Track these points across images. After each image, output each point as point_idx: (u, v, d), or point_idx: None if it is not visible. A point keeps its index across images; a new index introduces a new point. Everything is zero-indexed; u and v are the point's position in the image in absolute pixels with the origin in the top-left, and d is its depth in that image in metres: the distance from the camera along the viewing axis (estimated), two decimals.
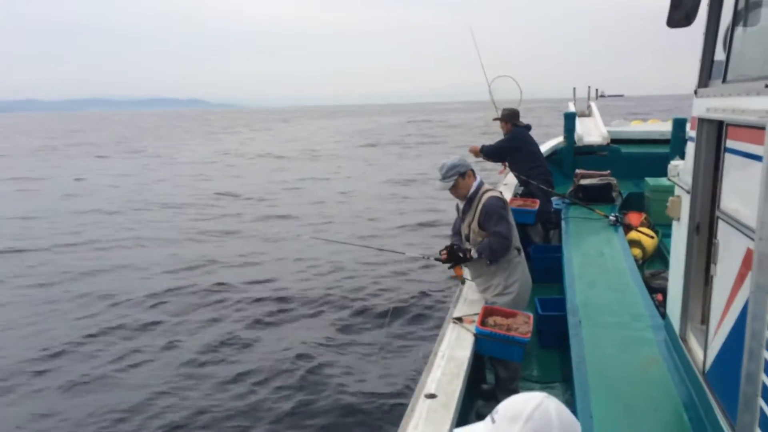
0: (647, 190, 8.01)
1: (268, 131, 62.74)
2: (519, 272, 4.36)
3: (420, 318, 8.02)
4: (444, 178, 4.36)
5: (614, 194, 7.91)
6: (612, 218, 6.86)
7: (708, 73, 3.53)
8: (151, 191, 20.44)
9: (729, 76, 3.13)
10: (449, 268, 4.50)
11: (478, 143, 8.04)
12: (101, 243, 12.74)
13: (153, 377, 6.43)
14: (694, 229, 3.54)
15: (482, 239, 4.32)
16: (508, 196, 7.64)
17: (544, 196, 7.45)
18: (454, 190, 4.39)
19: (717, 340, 2.96)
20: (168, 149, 40.51)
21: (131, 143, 46.91)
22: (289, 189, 20.18)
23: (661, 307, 4.81)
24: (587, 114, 10.95)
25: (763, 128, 2.32)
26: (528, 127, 7.71)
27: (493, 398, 4.32)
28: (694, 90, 3.66)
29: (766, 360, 2.32)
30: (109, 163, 31.87)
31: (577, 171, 8.19)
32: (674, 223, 4.09)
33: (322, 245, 10.27)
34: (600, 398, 3.38)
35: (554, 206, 7.76)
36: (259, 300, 8.86)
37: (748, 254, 2.47)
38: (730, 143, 2.87)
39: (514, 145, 7.57)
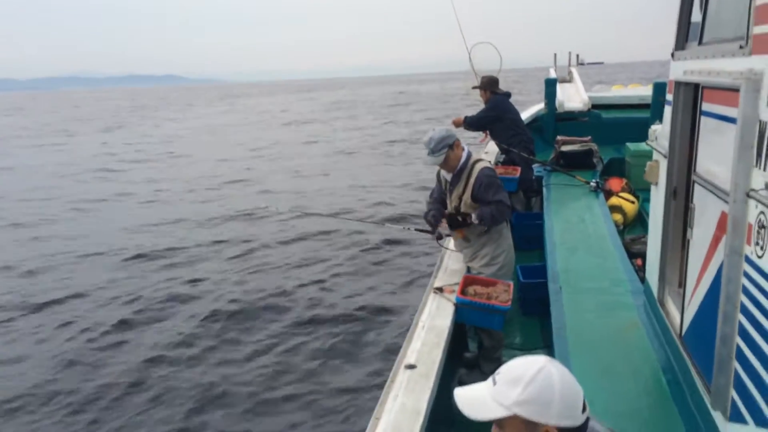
0: (628, 155, 8.02)
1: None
2: (506, 243, 4.37)
3: (402, 289, 8.02)
4: (434, 152, 4.15)
5: (595, 160, 7.91)
6: (593, 184, 6.87)
7: (685, 35, 3.50)
8: None
9: (705, 38, 3.10)
10: (445, 235, 4.51)
11: (461, 114, 7.99)
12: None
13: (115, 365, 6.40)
14: (671, 194, 3.54)
15: (473, 211, 4.28)
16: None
17: (526, 163, 7.43)
18: (444, 163, 4.24)
19: (693, 304, 2.98)
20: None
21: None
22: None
23: (640, 271, 4.85)
24: (568, 80, 10.89)
25: (737, 90, 2.30)
26: (507, 95, 7.64)
27: (476, 367, 4.35)
28: (671, 53, 3.63)
29: (740, 322, 2.33)
30: None
31: (558, 138, 8.17)
32: (652, 188, 4.10)
33: (299, 218, 10.23)
34: (580, 363, 3.41)
35: (536, 173, 7.76)
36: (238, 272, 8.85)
37: (723, 218, 2.47)
38: (705, 106, 2.85)
39: (494, 113, 7.52)
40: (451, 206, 4.38)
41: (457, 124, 7.80)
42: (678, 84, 3.41)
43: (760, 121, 2.19)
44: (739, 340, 2.35)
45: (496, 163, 7.96)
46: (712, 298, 2.61)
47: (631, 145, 7.94)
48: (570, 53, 11.31)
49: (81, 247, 10.67)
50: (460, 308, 3.76)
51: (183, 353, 6.44)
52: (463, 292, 3.86)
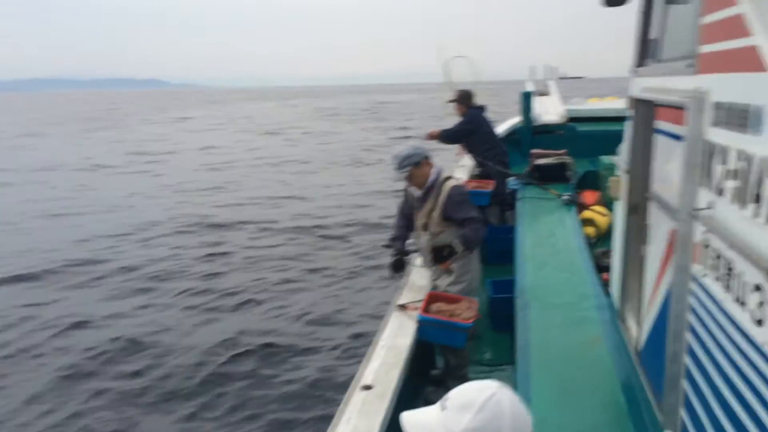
0: (601, 168, 8.05)
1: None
2: (474, 261, 4.35)
3: (367, 307, 7.89)
4: (398, 168, 4.24)
5: (569, 173, 7.94)
6: (566, 197, 6.88)
7: (644, 52, 3.52)
8: None
9: (661, 56, 3.12)
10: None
11: (436, 128, 8.01)
12: None
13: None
14: (631, 210, 3.55)
15: (442, 230, 4.28)
16: (463, 178, 7.63)
17: (500, 177, 7.46)
18: (409, 180, 4.28)
19: (648, 321, 2.97)
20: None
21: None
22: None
23: (607, 286, 4.85)
24: (545, 93, 10.94)
25: (684, 108, 2.31)
26: (482, 108, 7.68)
27: (442, 384, 4.31)
28: (631, 69, 3.65)
29: (688, 342, 2.32)
30: None
31: (533, 151, 8.19)
32: (615, 203, 4.11)
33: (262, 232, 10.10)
34: (540, 381, 3.39)
35: (511, 187, 7.77)
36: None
37: (673, 235, 2.47)
38: (659, 124, 2.86)
39: (470, 127, 7.54)
40: (419, 222, 4.36)
41: (432, 137, 7.81)
42: (636, 101, 3.42)
43: (705, 141, 2.19)
44: (687, 360, 2.34)
45: (471, 177, 7.98)
46: (664, 315, 2.60)
47: (605, 158, 7.97)
48: (546, 66, 11.38)
49: None
50: (422, 326, 3.73)
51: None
52: (426, 309, 3.83)
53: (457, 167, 8.31)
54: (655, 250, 2.84)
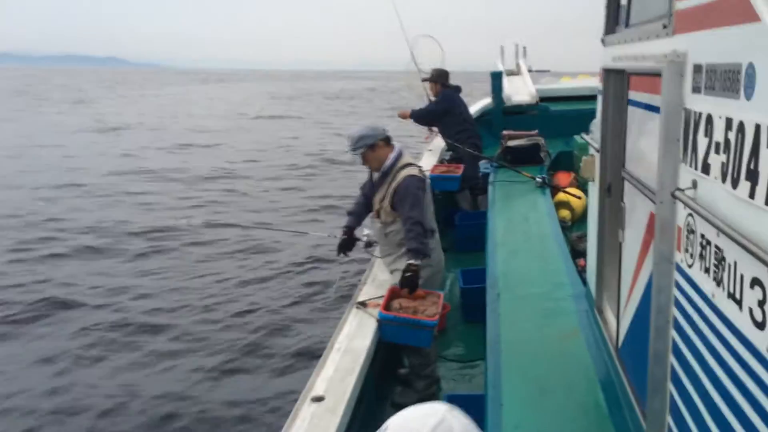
0: (576, 148, 7.79)
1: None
2: (431, 256, 4.00)
3: (325, 305, 7.45)
4: (351, 150, 3.96)
5: (542, 154, 7.65)
6: (539, 180, 6.60)
7: (614, 18, 3.22)
8: None
9: (632, 20, 2.82)
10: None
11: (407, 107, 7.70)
12: None
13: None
14: (605, 191, 3.27)
15: (392, 219, 3.97)
16: (432, 161, 7.33)
17: (472, 160, 7.17)
18: (364, 162, 4.00)
19: (627, 313, 2.69)
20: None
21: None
22: None
23: (583, 273, 4.58)
24: (516, 72, 10.65)
25: (660, 75, 2.01)
26: (458, 89, 7.38)
27: (409, 385, 4.02)
28: (600, 38, 3.35)
29: (673, 339, 2.04)
30: None
31: (504, 132, 7.89)
32: (590, 184, 3.83)
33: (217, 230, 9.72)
34: (512, 381, 3.10)
35: (483, 170, 7.49)
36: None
37: (652, 219, 2.18)
38: (632, 94, 2.57)
39: (443, 108, 7.25)
40: (374, 208, 4.06)
41: (403, 117, 7.51)
42: (607, 72, 3.13)
43: (686, 110, 1.90)
44: (672, 360, 2.06)
45: (441, 161, 7.68)
46: (645, 308, 2.32)
47: (579, 138, 7.72)
48: (517, 45, 11.06)
49: None
50: (383, 325, 3.42)
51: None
52: (387, 306, 3.52)
53: (426, 151, 7.99)
54: (632, 236, 2.56)
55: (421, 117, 7.44)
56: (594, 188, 3.58)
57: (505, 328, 3.67)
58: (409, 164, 3.94)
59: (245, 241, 9.81)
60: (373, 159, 3.95)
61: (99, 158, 18.69)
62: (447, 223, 7.24)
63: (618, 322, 2.86)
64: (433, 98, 7.39)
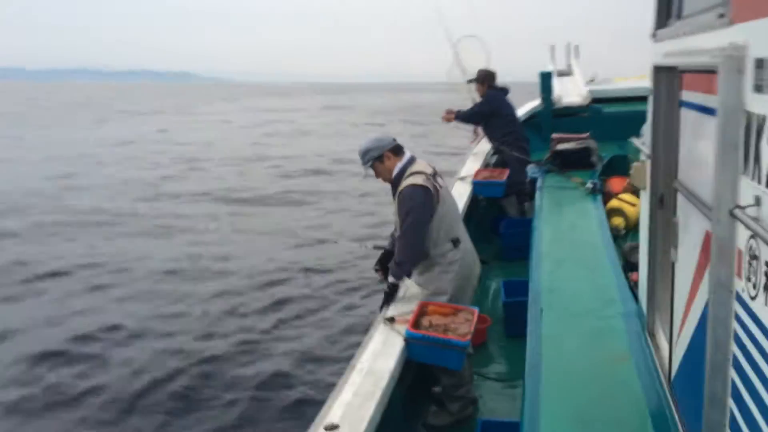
0: (631, 152, 7.37)
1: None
2: (455, 269, 3.72)
3: (356, 319, 7.14)
4: (363, 164, 3.80)
5: (594, 158, 7.28)
6: (589, 185, 6.24)
7: (666, 8, 2.91)
8: None
9: (685, 10, 2.51)
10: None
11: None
12: None
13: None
14: (657, 202, 2.95)
15: None
16: (476, 166, 7.04)
17: (519, 164, 6.87)
18: (377, 175, 3.82)
19: (682, 341, 2.39)
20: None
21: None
22: None
23: (636, 288, 4.23)
24: (567, 73, 10.25)
25: (715, 72, 1.72)
26: (505, 91, 7.10)
27: (443, 406, 3.77)
28: (651, 32, 3.04)
29: (733, 381, 1.75)
30: None
31: (554, 135, 7.55)
32: (641, 194, 3.51)
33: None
34: (551, 409, 2.82)
35: (530, 175, 7.17)
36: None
37: (708, 239, 1.89)
38: (684, 95, 2.27)
39: (488, 109, 6.99)
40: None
41: (448, 119, 7.26)
42: (658, 70, 2.83)
43: (746, 112, 1.61)
44: (732, 404, 1.76)
45: (486, 165, 7.39)
46: (701, 340, 2.02)
47: (635, 141, 7.30)
48: (569, 45, 10.64)
49: None
50: (410, 344, 3.19)
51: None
52: (416, 323, 3.29)
53: (471, 154, 7.71)
54: (686, 255, 2.26)
55: (466, 119, 7.19)
56: (645, 198, 3.26)
57: (547, 348, 3.39)
58: (415, 172, 3.69)
59: None
60: (382, 171, 3.78)
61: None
62: (493, 231, 6.95)
63: (671, 350, 2.56)
64: (479, 100, 7.14)
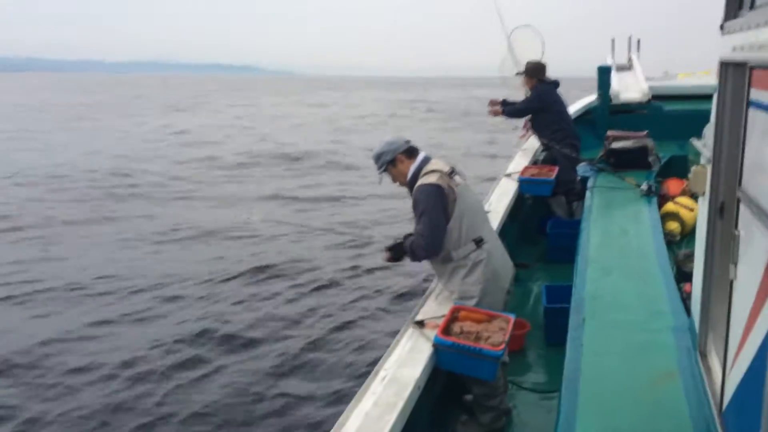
0: (691, 153, 6.97)
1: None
2: (480, 270, 3.49)
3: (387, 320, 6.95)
4: (377, 168, 3.67)
5: (651, 159, 6.90)
6: (644, 187, 5.90)
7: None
8: None
9: (759, 0, 2.24)
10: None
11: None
12: None
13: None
14: (716, 211, 2.69)
15: None
16: (524, 162, 6.77)
17: (569, 162, 6.57)
18: (393, 179, 3.69)
19: (737, 368, 2.14)
20: None
21: None
22: None
23: (689, 300, 3.93)
24: (627, 67, 9.79)
25: None
26: (556, 84, 6.80)
27: (473, 415, 3.58)
28: (720, 24, 2.76)
29: None
30: None
31: (609, 133, 7.20)
32: (700, 200, 3.23)
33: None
34: (588, 427, 2.61)
35: (581, 174, 6.86)
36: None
37: None
38: (754, 93, 2.01)
39: (538, 105, 6.70)
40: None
41: (494, 114, 7.00)
42: (725, 65, 2.55)
43: None
44: None
45: (534, 162, 7.11)
46: (761, 369, 1.78)
47: (696, 142, 6.89)
48: (630, 38, 10.17)
49: None
50: (439, 351, 3.01)
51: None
52: (446, 329, 3.10)
53: (520, 150, 7.43)
54: (748, 274, 2.01)
55: (514, 114, 6.91)
56: (703, 206, 2.99)
57: (587, 361, 3.16)
58: (430, 171, 3.48)
59: None
60: (397, 175, 3.64)
61: None
62: (539, 231, 6.69)
63: (724, 375, 2.30)
64: (528, 93, 6.86)
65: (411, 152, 3.58)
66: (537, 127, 6.88)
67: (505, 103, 6.95)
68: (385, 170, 3.62)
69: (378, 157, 3.60)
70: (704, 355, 2.78)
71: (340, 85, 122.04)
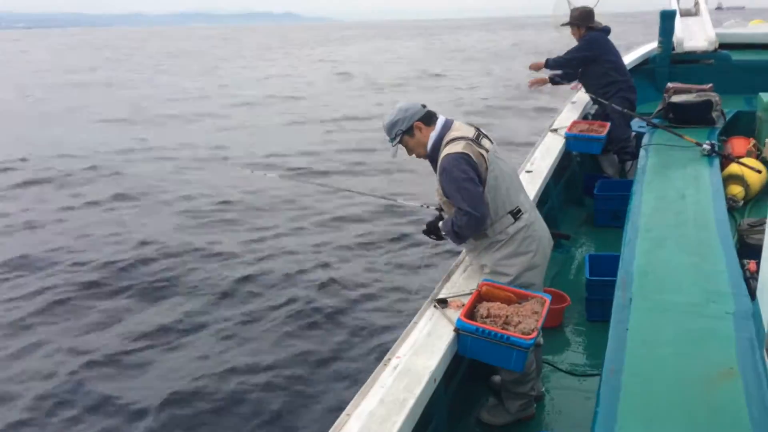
0: (761, 108, 6.30)
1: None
2: (516, 246, 3.06)
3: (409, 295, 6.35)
4: (390, 140, 3.14)
5: (715, 114, 6.24)
6: (706, 146, 5.32)
7: None
8: None
9: None
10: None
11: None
12: None
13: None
14: None
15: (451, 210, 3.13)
16: (573, 116, 6.23)
17: (622, 117, 6.01)
18: (409, 151, 3.16)
19: None
20: None
21: None
22: None
23: (753, 280, 3.45)
24: (693, 13, 8.96)
25: None
26: (606, 31, 6.18)
27: (502, 401, 3.25)
28: None
29: None
30: None
31: (669, 85, 6.55)
32: None
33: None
34: (629, 429, 2.25)
35: (636, 130, 6.29)
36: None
37: None
38: None
39: (586, 54, 6.11)
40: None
41: (536, 68, 6.45)
42: None
43: None
44: None
45: (585, 116, 6.55)
46: None
47: (766, 96, 6.21)
48: None
49: None
50: (461, 336, 2.65)
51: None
52: (470, 312, 2.73)
53: (569, 103, 6.86)
54: None
55: (559, 65, 6.32)
56: None
57: (632, 350, 2.76)
58: (454, 139, 2.99)
59: None
60: (415, 146, 3.11)
61: None
62: (586, 192, 6.20)
63: None
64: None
65: (429, 118, 3.09)
66: (585, 81, 6.32)
67: (548, 60, 6.37)
68: (399, 141, 3.13)
69: (391, 127, 3.09)
70: None
71: (390, 31, 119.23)
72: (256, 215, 9.11)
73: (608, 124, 5.70)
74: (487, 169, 2.94)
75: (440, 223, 3.17)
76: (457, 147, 2.91)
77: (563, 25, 6.34)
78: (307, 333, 5.68)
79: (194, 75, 32.74)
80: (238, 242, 8.01)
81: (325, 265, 7.18)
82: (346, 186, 8.96)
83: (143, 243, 7.92)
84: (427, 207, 3.59)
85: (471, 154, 2.90)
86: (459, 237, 3.05)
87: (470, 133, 3.01)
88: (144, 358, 5.39)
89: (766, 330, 2.53)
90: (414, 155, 3.18)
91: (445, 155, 2.92)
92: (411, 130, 3.05)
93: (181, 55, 51.09)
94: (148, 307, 6.31)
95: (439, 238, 3.28)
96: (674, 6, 8.67)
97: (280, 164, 12.07)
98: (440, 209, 3.31)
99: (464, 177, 2.86)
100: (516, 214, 3.03)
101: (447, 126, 3.06)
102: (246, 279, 6.86)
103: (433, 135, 3.04)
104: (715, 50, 7.98)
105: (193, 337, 5.70)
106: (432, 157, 3.08)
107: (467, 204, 2.87)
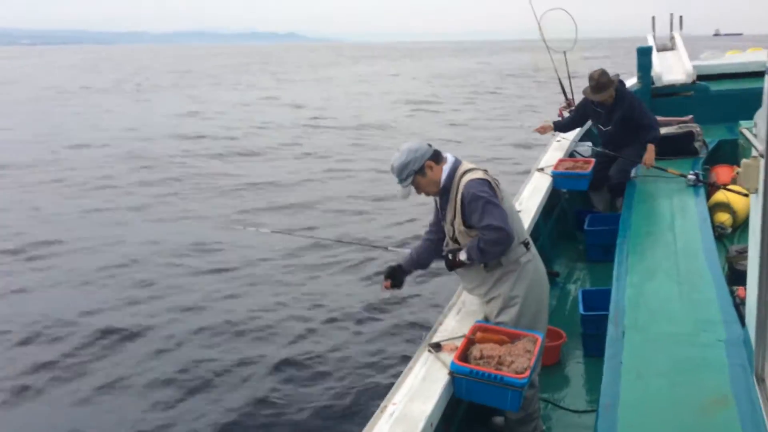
0: (742, 137, 6.43)
1: None
2: (528, 273, 3.14)
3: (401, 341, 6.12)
4: (400, 181, 3.18)
5: (697, 144, 6.39)
6: (691, 176, 5.42)
7: None
8: None
9: None
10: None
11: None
12: None
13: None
14: None
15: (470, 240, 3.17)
16: (558, 155, 6.33)
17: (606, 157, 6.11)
18: (419, 191, 3.22)
19: None
20: None
21: None
22: None
23: (743, 306, 3.50)
24: (669, 47, 9.20)
25: None
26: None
27: None
28: None
29: None
30: None
31: None
32: (752, 197, 2.82)
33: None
34: None
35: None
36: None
37: None
38: None
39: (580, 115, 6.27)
40: (448, 237, 3.27)
41: (545, 131, 6.48)
42: None
43: None
44: None
45: (570, 155, 6.67)
46: None
47: (747, 124, 6.34)
48: (672, 15, 9.54)
49: None
50: (456, 379, 2.68)
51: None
52: (464, 354, 2.77)
53: (554, 141, 6.99)
54: None
55: (563, 128, 6.45)
56: (756, 204, 2.59)
57: (627, 381, 2.79)
58: (469, 170, 3.10)
59: None
60: (426, 184, 3.17)
61: None
62: (577, 227, 6.27)
63: None
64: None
65: (437, 156, 3.18)
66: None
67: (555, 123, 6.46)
68: (412, 181, 3.17)
69: (402, 168, 3.13)
70: (762, 380, 2.39)
71: (392, 53, 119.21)
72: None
73: (593, 161, 5.79)
74: (502, 199, 3.05)
75: (461, 252, 3.15)
76: (477, 174, 3.02)
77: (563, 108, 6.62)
78: (300, 381, 5.50)
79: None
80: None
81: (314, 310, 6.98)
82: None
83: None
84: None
85: (491, 181, 3.00)
86: (485, 254, 3.05)
87: (479, 170, 3.12)
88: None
89: (753, 357, 2.56)
90: (423, 194, 3.24)
91: (468, 181, 3.01)
92: (422, 169, 3.11)
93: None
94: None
95: (455, 266, 3.26)
96: (650, 42, 8.92)
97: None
98: (455, 240, 3.32)
99: (489, 198, 2.95)
100: (527, 245, 3.13)
101: (458, 161, 3.16)
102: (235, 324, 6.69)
103: (446, 169, 3.11)
104: (694, 82, 8.18)
105: (162, 392, 5.43)
106: (445, 189, 3.15)
107: (495, 220, 2.94)
